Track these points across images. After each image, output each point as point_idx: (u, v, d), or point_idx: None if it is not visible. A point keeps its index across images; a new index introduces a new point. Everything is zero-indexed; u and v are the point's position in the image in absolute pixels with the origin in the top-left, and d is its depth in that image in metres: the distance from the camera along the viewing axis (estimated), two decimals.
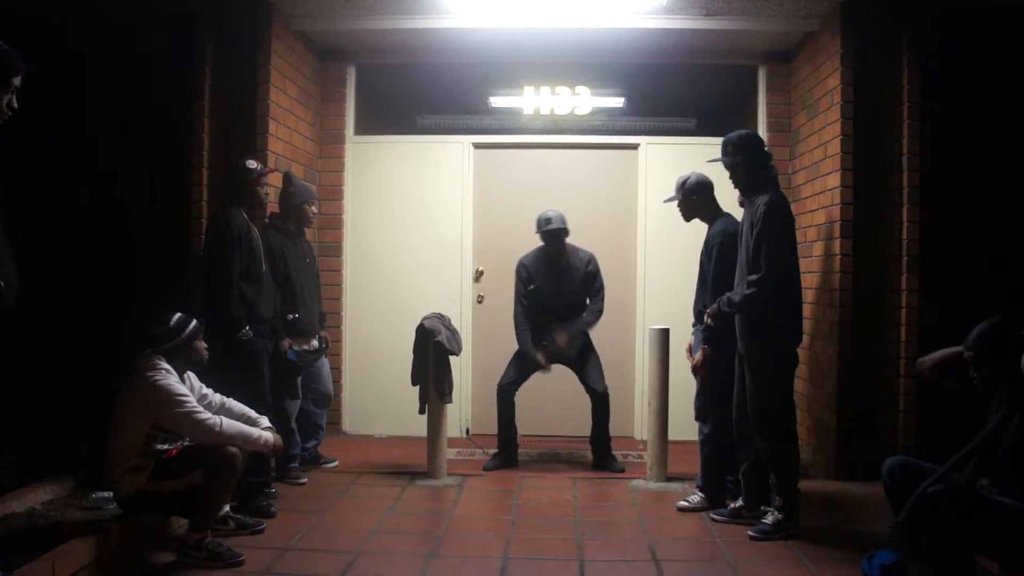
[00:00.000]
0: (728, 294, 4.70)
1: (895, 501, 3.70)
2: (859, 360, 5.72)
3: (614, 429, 6.20)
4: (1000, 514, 3.35)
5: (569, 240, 6.27)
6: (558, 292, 6.19)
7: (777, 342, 4.60)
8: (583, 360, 6.16)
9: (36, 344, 5.26)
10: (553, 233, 6.14)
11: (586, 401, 6.14)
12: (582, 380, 6.17)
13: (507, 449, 6.16)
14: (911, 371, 5.59)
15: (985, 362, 3.57)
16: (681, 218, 5.36)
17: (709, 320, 4.86)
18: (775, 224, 4.53)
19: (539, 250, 6.29)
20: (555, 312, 6.18)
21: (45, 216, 5.42)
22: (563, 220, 6.16)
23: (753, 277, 4.52)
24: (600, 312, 6.22)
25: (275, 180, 5.65)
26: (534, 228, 6.18)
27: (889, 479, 3.76)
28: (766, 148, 4.91)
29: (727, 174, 4.87)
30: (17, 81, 3.12)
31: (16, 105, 3.14)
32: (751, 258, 4.56)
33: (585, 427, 6.16)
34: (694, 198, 5.22)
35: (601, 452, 6.13)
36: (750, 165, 4.73)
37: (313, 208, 5.87)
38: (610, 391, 6.10)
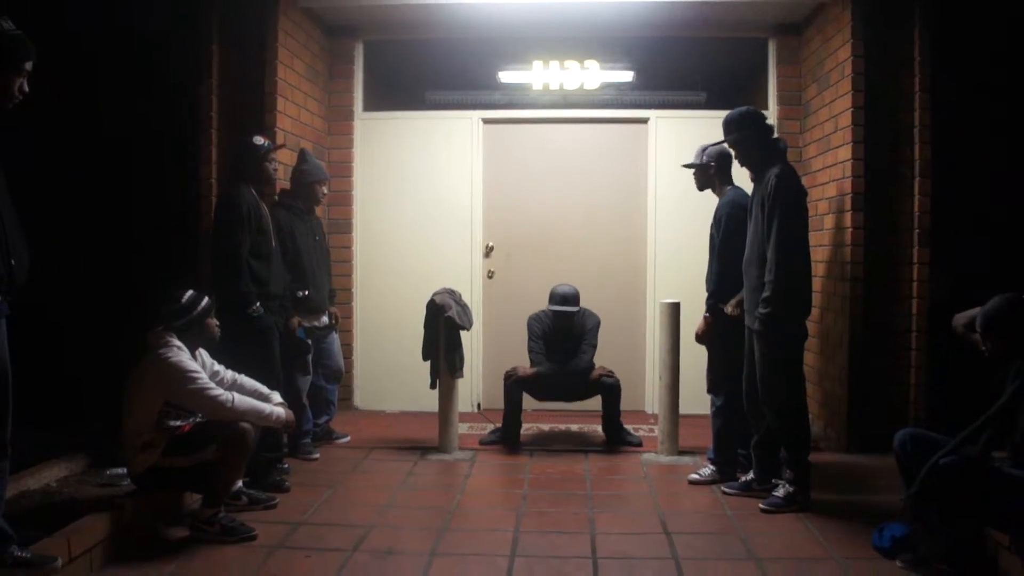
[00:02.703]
0: (762, 298, 4.51)
1: (907, 473, 3.70)
2: (870, 333, 5.70)
3: (625, 403, 6.17)
4: (1012, 486, 3.35)
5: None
6: (563, 351, 6.14)
7: (786, 315, 4.58)
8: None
9: (48, 322, 5.28)
10: (566, 316, 6.12)
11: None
12: (593, 393, 6.19)
13: (510, 428, 6.13)
14: (922, 344, 5.59)
15: (994, 337, 3.56)
16: (690, 192, 5.33)
17: (761, 316, 4.58)
18: (786, 196, 4.50)
19: (547, 314, 6.24)
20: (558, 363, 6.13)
21: (54, 195, 5.42)
22: (577, 298, 6.14)
23: (769, 277, 4.47)
24: (587, 357, 6.13)
25: (284, 157, 5.65)
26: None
27: (901, 451, 3.76)
28: (768, 122, 4.87)
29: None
30: (28, 66, 3.14)
31: (27, 89, 3.16)
32: (763, 232, 4.54)
33: (597, 401, 6.14)
34: (713, 165, 5.17)
35: (615, 433, 6.10)
36: (756, 140, 4.71)
37: (324, 188, 5.87)
38: (621, 365, 6.09)
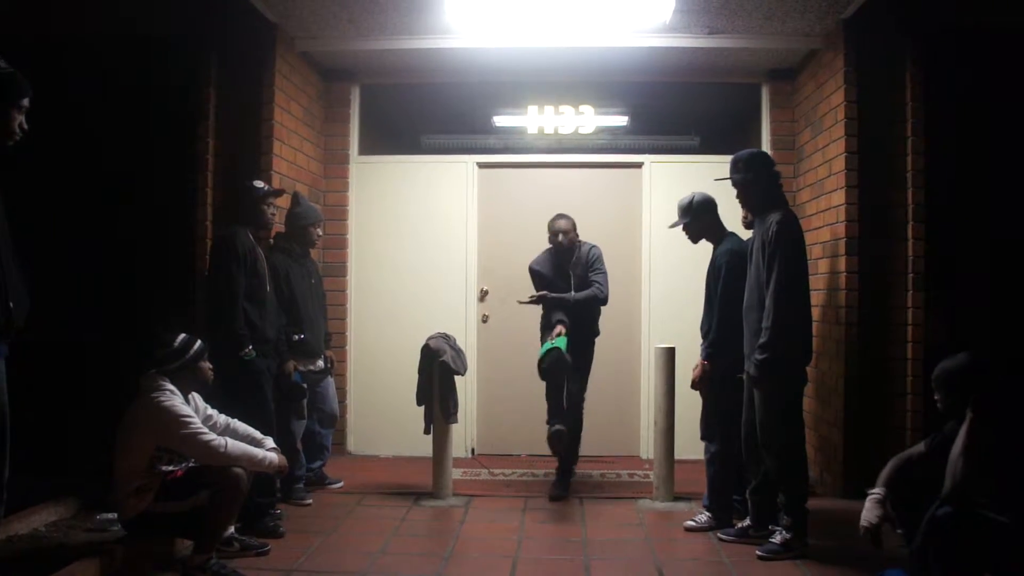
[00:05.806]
0: (758, 344, 4.52)
1: (897, 509, 3.72)
2: (865, 378, 5.69)
3: (620, 448, 6.14)
4: (1001, 532, 3.33)
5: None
6: (571, 288, 5.94)
7: (783, 361, 4.55)
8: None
9: (40, 364, 5.25)
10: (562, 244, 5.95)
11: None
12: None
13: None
14: (918, 388, 5.58)
15: (941, 391, 3.77)
16: (685, 236, 5.31)
17: (756, 362, 4.57)
18: (787, 243, 4.51)
19: (548, 252, 6.09)
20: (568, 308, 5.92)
21: (48, 237, 5.42)
22: (571, 227, 5.99)
23: (766, 324, 4.48)
24: (595, 294, 5.90)
25: (281, 201, 5.66)
26: (545, 237, 6.04)
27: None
28: (775, 168, 4.87)
29: (730, 193, 4.86)
30: (26, 102, 3.15)
31: (26, 126, 3.16)
32: (763, 277, 4.54)
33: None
34: (704, 217, 5.17)
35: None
36: (761, 183, 4.72)
37: (319, 230, 5.88)
38: (615, 410, 6.04)
